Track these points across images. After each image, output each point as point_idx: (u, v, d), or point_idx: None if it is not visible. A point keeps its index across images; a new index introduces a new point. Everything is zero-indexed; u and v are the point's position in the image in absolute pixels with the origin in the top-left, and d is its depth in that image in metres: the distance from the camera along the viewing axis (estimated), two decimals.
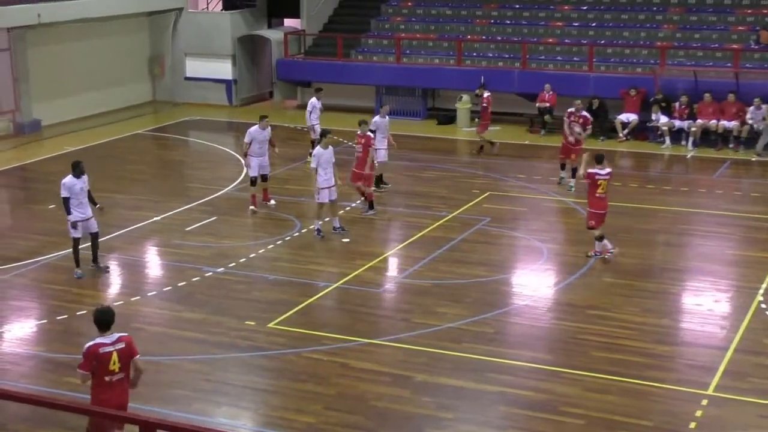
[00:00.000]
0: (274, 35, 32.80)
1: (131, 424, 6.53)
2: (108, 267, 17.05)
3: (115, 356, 9.79)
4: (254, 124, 20.35)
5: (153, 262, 18.03)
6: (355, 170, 20.11)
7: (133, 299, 15.68)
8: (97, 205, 16.67)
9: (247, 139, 20.07)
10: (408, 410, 12.11)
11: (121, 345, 9.86)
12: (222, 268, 16.96)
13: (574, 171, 21.28)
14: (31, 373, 13.34)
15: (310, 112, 23.96)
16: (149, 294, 15.95)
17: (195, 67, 32.82)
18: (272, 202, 20.56)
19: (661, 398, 12.41)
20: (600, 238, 17.25)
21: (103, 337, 9.84)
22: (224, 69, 32.37)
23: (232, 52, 32.21)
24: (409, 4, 33.03)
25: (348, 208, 20.26)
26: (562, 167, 22.24)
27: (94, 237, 16.65)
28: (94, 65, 30.24)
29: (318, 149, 18.73)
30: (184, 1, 32.78)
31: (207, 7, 35.56)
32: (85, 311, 15.03)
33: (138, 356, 10.01)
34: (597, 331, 14.31)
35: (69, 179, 16.11)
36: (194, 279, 16.48)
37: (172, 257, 17.71)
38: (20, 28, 27.32)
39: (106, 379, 9.81)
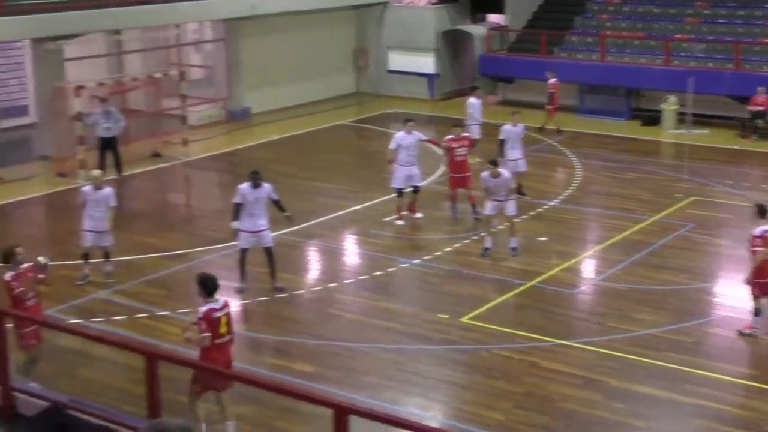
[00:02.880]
0: (477, 31, 32.79)
1: (326, 407, 6.66)
2: (283, 288, 15.75)
3: (224, 320, 10.72)
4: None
5: (350, 251, 18.40)
6: (457, 175, 19.14)
7: (330, 285, 16.05)
8: (286, 213, 15.74)
9: (392, 146, 19.02)
10: (597, 415, 11.89)
11: (228, 309, 10.85)
12: (417, 260, 17.12)
13: None
14: (233, 350, 13.83)
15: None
16: (346, 281, 16.28)
17: (398, 61, 33.22)
18: (418, 214, 19.30)
19: None
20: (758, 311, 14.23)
21: (213, 303, 10.78)
22: (427, 63, 32.61)
23: (435, 47, 32.42)
24: (616, 1, 32.32)
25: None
26: None
27: (268, 252, 15.61)
28: (301, 56, 31.08)
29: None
30: None
31: (412, 2, 35.91)
32: (285, 294, 15.50)
33: None
34: None
35: (244, 186, 15.28)
36: (390, 269, 16.71)
37: (369, 247, 18.02)
38: (236, 20, 28.41)
39: (216, 341, 10.66)
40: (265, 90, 29.96)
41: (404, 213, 19.25)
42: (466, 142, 19.30)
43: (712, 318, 14.79)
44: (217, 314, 10.72)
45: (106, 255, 16.07)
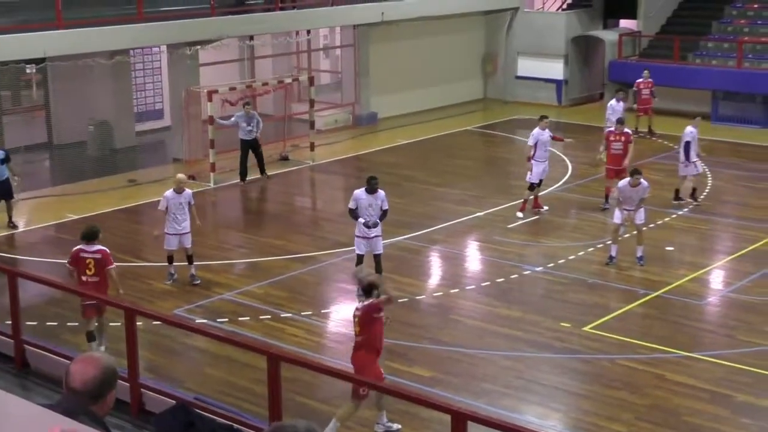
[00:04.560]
0: (609, 36, 32.30)
1: (444, 412, 6.66)
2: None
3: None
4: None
5: (473, 257, 18.36)
6: (614, 167, 19.53)
7: (452, 291, 16.05)
8: (374, 219, 15.38)
9: (531, 142, 19.55)
10: (724, 430, 11.56)
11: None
12: (541, 267, 16.97)
13: None
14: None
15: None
16: (468, 287, 16.25)
17: (527, 66, 32.97)
18: (545, 208, 20.06)
19: None
20: None
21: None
22: (556, 69, 32.28)
23: (564, 52, 32.06)
24: (756, 6, 31.35)
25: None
26: None
27: (376, 258, 15.60)
28: (429, 62, 31.17)
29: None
30: (520, 0, 33.03)
31: (543, 7, 35.63)
32: (406, 299, 15.56)
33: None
34: None
35: (360, 192, 15.36)
36: (512, 276, 16.61)
37: (492, 253, 17.95)
38: (365, 26, 28.71)
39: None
40: (392, 95, 30.16)
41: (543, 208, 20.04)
42: (624, 138, 19.82)
43: None
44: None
45: (189, 258, 16.29)
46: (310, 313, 15.15)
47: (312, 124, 25.29)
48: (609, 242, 17.35)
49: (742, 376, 12.87)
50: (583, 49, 32.68)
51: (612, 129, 20.60)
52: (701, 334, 14.47)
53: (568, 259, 17.37)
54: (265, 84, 25.23)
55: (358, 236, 15.50)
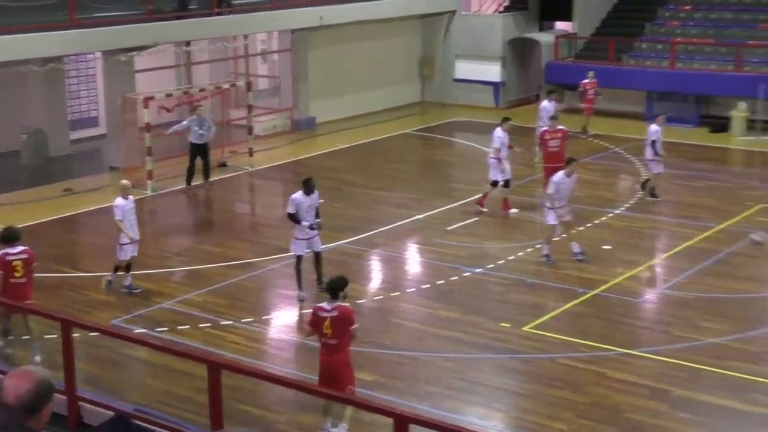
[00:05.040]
0: (545, 38, 32.64)
1: (386, 416, 6.69)
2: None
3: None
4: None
5: (413, 259, 18.42)
6: (552, 165, 19.47)
7: (392, 294, 16.08)
8: (317, 220, 15.53)
9: (498, 144, 19.86)
10: (665, 425, 11.73)
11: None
12: (480, 269, 17.08)
13: None
14: (295, 359, 13.98)
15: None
16: (408, 290, 16.30)
17: (464, 69, 33.16)
18: (486, 209, 20.29)
19: None
20: None
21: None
22: (493, 71, 32.51)
23: (501, 55, 32.31)
24: (687, 7, 31.90)
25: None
26: None
27: (319, 256, 15.79)
28: (367, 66, 31.23)
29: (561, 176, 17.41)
30: (458, 3, 33.23)
31: (479, 10, 35.87)
32: (347, 304, 15.50)
33: None
34: None
35: (298, 195, 15.28)
36: (452, 278, 16.69)
37: (432, 255, 18.02)
38: (303, 30, 28.66)
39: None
40: (330, 99, 30.15)
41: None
42: (560, 135, 20.28)
43: None
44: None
45: (128, 267, 16.07)
46: (250, 320, 15.08)
47: (250, 130, 25.19)
48: (544, 243, 17.49)
49: (679, 371, 13.07)
50: (520, 52, 32.97)
51: (546, 128, 20.85)
52: (639, 331, 14.67)
53: (507, 259, 17.51)
54: (202, 90, 25.06)
55: (299, 239, 15.46)
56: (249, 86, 25.37)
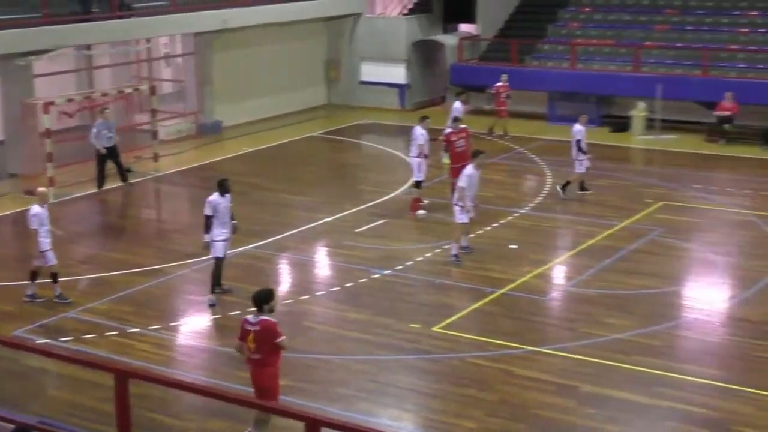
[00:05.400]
0: (449, 40, 32.93)
1: (298, 420, 6.68)
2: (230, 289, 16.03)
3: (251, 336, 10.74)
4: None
5: (322, 262, 18.40)
6: (458, 165, 19.45)
7: (302, 298, 16.04)
8: (233, 221, 15.68)
9: (421, 141, 20.21)
10: (572, 421, 11.94)
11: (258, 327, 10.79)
12: (389, 271, 17.14)
13: None
14: (205, 365, 13.85)
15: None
16: (318, 293, 16.27)
17: (370, 71, 33.28)
18: (424, 204, 20.69)
19: None
20: None
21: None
22: (398, 73, 32.70)
23: (406, 57, 32.51)
24: (587, 9, 32.56)
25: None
26: None
27: (219, 263, 15.68)
28: (273, 69, 31.10)
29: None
30: (363, 6, 33.31)
31: (384, 12, 36.03)
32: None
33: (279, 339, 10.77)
34: None
35: (215, 197, 15.31)
36: (362, 280, 16.72)
37: (342, 258, 18.02)
38: (207, 33, 28.40)
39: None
40: (236, 103, 29.96)
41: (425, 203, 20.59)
42: (464, 134, 20.36)
43: (681, 321, 14.91)
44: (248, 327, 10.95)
45: (55, 276, 15.84)
46: (158, 327, 14.88)
47: (155, 135, 24.85)
48: (454, 243, 17.64)
49: (585, 367, 13.32)
50: (425, 54, 33.21)
51: (450, 130, 21.05)
52: (546, 329, 14.90)
53: (415, 260, 17.61)
54: (104, 94, 24.62)
55: (219, 240, 15.44)
56: (153, 90, 25.03)
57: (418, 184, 20.47)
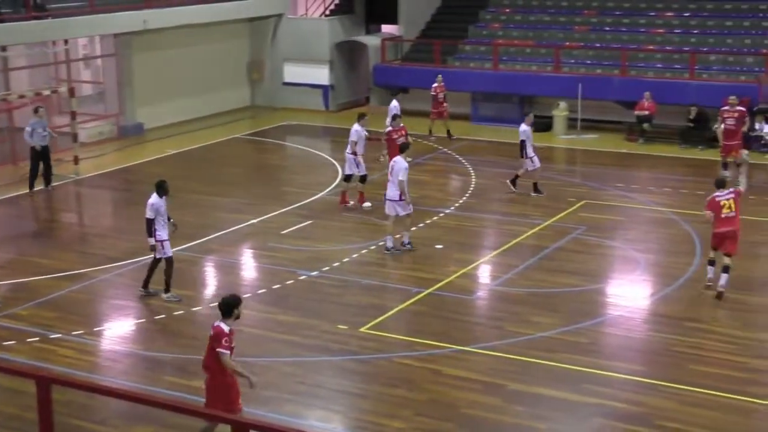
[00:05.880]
0: (372, 41, 32.97)
1: (225, 423, 6.61)
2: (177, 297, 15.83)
3: None
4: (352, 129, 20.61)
5: (248, 265, 18.26)
6: None
7: None
8: (171, 220, 15.78)
9: (354, 138, 20.47)
10: (500, 419, 12.03)
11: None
12: (316, 272, 17.09)
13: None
14: (130, 370, 13.64)
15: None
16: (244, 296, 16.03)
17: (293, 73, 33.16)
18: (352, 203, 20.92)
19: (760, 414, 12.10)
20: (711, 262, 15.91)
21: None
22: (322, 74, 32.64)
23: (329, 58, 32.47)
24: (507, 10, 32.87)
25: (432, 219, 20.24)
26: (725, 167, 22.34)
27: (171, 261, 15.80)
28: (195, 70, 30.80)
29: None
30: (285, 7, 33.18)
31: (306, 13, 35.94)
32: (182, 311, 15.32)
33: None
34: (695, 344, 14.01)
35: (156, 199, 15.37)
36: (288, 282, 16.64)
37: (268, 260, 17.92)
38: (126, 34, 28.00)
39: None
40: (158, 105, 29.60)
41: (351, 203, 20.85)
42: (403, 132, 21.16)
43: (606, 318, 15.12)
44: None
45: None
46: (81, 332, 14.62)
47: (75, 137, 24.43)
48: (405, 231, 18.07)
49: (512, 365, 13.43)
50: (348, 55, 33.20)
51: (391, 128, 21.47)
52: (473, 328, 14.98)
53: (342, 261, 17.59)
54: (21, 96, 24.12)
55: (167, 240, 15.60)
56: (72, 92, 24.61)
57: (347, 178, 20.77)
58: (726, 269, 15.45)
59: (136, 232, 19.59)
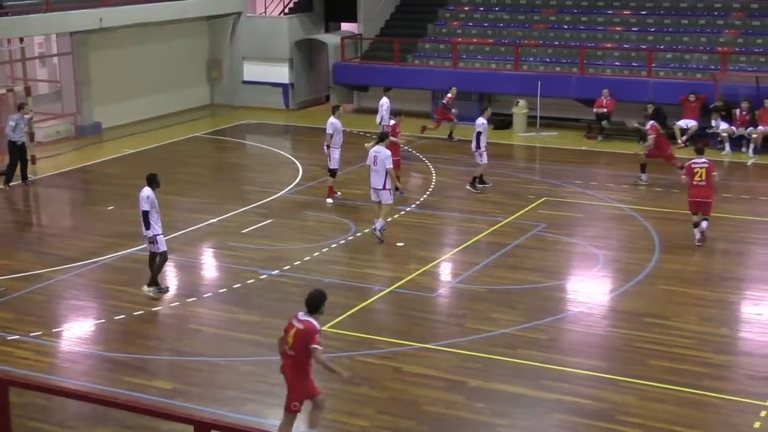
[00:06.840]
0: (331, 39, 32.93)
1: (186, 423, 6.58)
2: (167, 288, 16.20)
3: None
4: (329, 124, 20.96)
5: (209, 264, 18.17)
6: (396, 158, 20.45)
7: (189, 300, 15.82)
8: None
9: (330, 131, 20.79)
10: (462, 416, 12.06)
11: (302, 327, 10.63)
12: (277, 271, 17.04)
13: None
14: (89, 371, 13.52)
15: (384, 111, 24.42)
16: (205, 295, 16.07)
17: (252, 71, 33.05)
18: (339, 193, 21.36)
19: (719, 409, 12.23)
20: (695, 224, 18.00)
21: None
22: (281, 73, 32.56)
23: (289, 56, 32.38)
24: (467, 8, 32.97)
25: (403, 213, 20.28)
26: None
27: (165, 256, 15.94)
28: (153, 69, 30.61)
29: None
30: (243, 5, 33.04)
31: (265, 12, 35.82)
32: (142, 311, 15.22)
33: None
34: (654, 340, 14.14)
35: (149, 192, 15.45)
36: (249, 281, 16.58)
37: (228, 259, 17.84)
38: (83, 33, 27.74)
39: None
40: (116, 104, 29.37)
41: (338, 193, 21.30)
42: (398, 129, 21.95)
43: (566, 314, 15.21)
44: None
45: None
46: (39, 333, 14.47)
47: (32, 137, 24.16)
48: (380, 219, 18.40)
49: (473, 362, 13.47)
50: (307, 53, 33.13)
51: (394, 122, 22.27)
52: (434, 325, 15.01)
53: (303, 260, 17.55)
54: None
55: (160, 234, 15.66)
56: (28, 91, 24.33)
57: (333, 173, 21.05)
58: (705, 219, 17.93)
59: (94, 232, 19.48)
